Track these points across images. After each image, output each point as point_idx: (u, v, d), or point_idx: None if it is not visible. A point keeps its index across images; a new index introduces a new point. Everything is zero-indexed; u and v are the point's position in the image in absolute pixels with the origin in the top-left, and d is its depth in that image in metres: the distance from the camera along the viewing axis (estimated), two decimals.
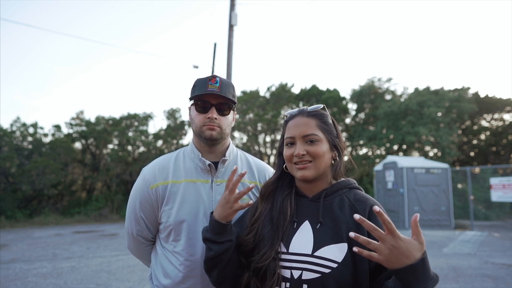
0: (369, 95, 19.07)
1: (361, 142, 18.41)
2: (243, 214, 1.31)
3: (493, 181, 10.95)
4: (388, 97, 19.08)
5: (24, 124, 17.04)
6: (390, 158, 12.79)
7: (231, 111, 1.46)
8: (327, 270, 1.01)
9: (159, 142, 18.77)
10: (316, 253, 1.05)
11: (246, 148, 19.04)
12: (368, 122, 19.38)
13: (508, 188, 10.53)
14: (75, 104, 40.98)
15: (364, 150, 19.19)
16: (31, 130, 17.15)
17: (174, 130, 18.94)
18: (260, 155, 18.86)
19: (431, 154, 17.74)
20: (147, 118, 18.99)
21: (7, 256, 7.23)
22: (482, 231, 10.79)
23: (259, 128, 19.22)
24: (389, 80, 18.95)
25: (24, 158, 16.19)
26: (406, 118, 16.61)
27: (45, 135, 17.54)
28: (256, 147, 19.63)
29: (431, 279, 0.87)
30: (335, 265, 1.02)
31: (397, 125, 16.76)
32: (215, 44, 12.82)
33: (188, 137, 19.55)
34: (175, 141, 18.80)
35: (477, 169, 14.01)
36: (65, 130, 18.16)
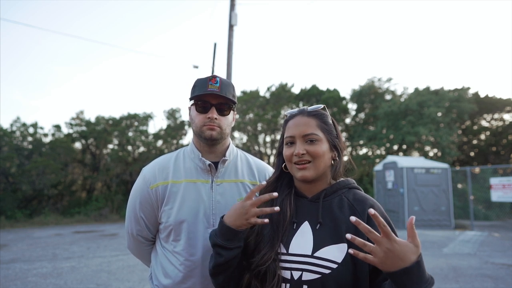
0: (369, 95, 19.07)
1: (361, 142, 18.40)
2: None
3: (493, 181, 10.95)
4: (388, 97, 19.07)
5: (24, 124, 17.04)
6: (390, 158, 12.79)
7: (231, 111, 1.46)
8: (327, 271, 1.01)
9: (159, 142, 18.77)
10: (316, 254, 1.05)
11: (246, 148, 19.04)
12: (368, 122, 19.38)
13: (508, 188, 10.53)
14: (75, 104, 41.03)
15: (364, 150, 19.19)
16: (31, 130, 17.15)
17: (174, 130, 18.94)
18: (260, 155, 18.85)
19: (431, 154, 17.74)
20: (147, 118, 18.99)
21: (7, 256, 7.23)
22: (482, 231, 10.79)
23: (259, 128, 19.22)
24: (389, 80, 18.96)
25: (24, 158, 16.19)
26: (406, 118, 16.60)
27: (45, 135, 17.55)
28: (256, 147, 19.63)
29: (427, 281, 0.88)
30: (335, 266, 1.02)
31: (397, 125, 16.76)
32: (215, 44, 12.82)
33: (188, 137, 19.57)
34: (175, 141, 18.79)
35: (477, 169, 14.01)
36: (65, 130, 18.18)
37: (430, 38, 47.13)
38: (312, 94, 20.12)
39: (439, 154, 16.65)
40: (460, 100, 17.15)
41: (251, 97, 19.50)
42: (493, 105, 19.55)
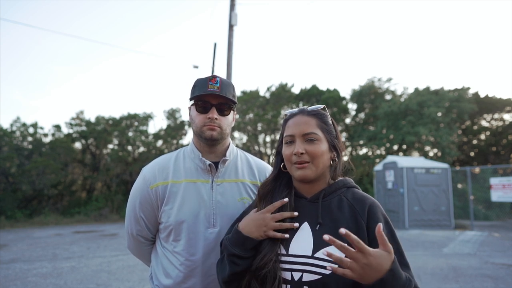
0: (369, 95, 19.07)
1: (361, 142, 18.40)
2: (241, 215, 1.30)
3: (493, 181, 10.95)
4: (388, 97, 19.07)
5: (24, 124, 17.05)
6: (390, 158, 12.80)
7: (231, 111, 1.46)
8: (327, 272, 1.01)
9: (159, 142, 18.78)
10: (316, 255, 1.05)
11: (246, 148, 19.05)
12: (368, 122, 19.38)
13: (508, 188, 10.53)
14: (75, 104, 41.04)
15: (364, 150, 19.20)
16: (31, 130, 17.16)
17: (174, 130, 18.94)
18: (260, 155, 18.86)
19: (431, 154, 17.74)
20: (147, 118, 19.00)
21: (7, 256, 7.23)
22: (482, 231, 10.79)
23: (259, 128, 19.22)
24: (389, 80, 18.96)
25: (24, 158, 16.19)
26: (406, 118, 16.60)
27: (45, 135, 17.55)
28: (256, 147, 19.64)
29: (403, 285, 0.90)
30: (335, 266, 1.01)
31: (397, 125, 16.76)
32: (215, 44, 12.82)
33: (188, 137, 19.57)
34: (175, 141, 18.80)
35: (477, 169, 14.01)
36: (65, 130, 18.19)
37: (430, 38, 47.16)
38: (312, 94, 20.12)
39: (439, 154, 16.65)
40: (460, 100, 17.14)
41: (251, 97, 19.50)
42: (493, 105, 19.55)
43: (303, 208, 1.16)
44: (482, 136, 20.67)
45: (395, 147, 17.62)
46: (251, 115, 18.94)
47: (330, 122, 1.21)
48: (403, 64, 44.63)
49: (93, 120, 18.52)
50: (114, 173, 17.15)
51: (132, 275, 5.76)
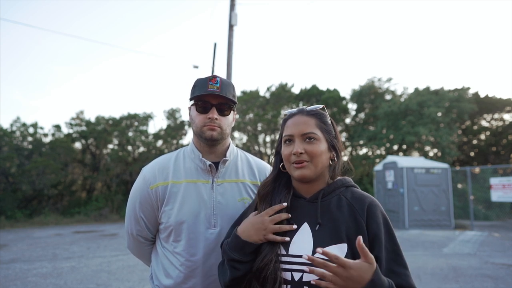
0: (369, 95, 19.07)
1: (361, 142, 18.41)
2: (241, 215, 1.30)
3: (493, 181, 10.95)
4: (388, 97, 19.08)
5: (24, 124, 17.05)
6: (390, 158, 12.80)
7: (232, 111, 1.46)
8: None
9: (159, 142, 18.78)
10: (316, 255, 1.05)
11: (246, 148, 19.05)
12: (368, 122, 19.38)
13: (508, 188, 10.53)
14: (75, 104, 41.05)
15: (364, 150, 19.20)
16: (31, 130, 17.16)
17: (174, 130, 18.95)
18: (260, 155, 18.86)
19: (431, 154, 17.74)
20: (147, 118, 19.00)
21: (7, 256, 7.23)
22: (482, 231, 10.79)
23: (259, 128, 19.23)
24: (389, 80, 18.97)
25: (24, 158, 16.19)
26: (406, 118, 16.61)
27: (45, 135, 17.56)
28: (256, 147, 19.64)
29: None
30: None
31: (397, 125, 16.76)
32: (215, 44, 12.82)
33: (188, 137, 19.58)
34: (175, 141, 18.80)
35: (477, 169, 14.01)
36: (65, 130, 18.19)
37: (430, 38, 47.16)
38: (312, 94, 20.13)
39: (439, 154, 16.66)
40: (460, 100, 17.15)
41: (251, 97, 19.50)
42: (493, 105, 19.55)
43: (302, 208, 1.16)
44: (482, 136, 20.68)
45: (395, 147, 17.62)
46: (251, 115, 18.94)
47: (329, 122, 1.20)
48: (403, 64, 44.66)
49: (93, 120, 18.53)
50: (114, 173, 17.16)
51: (132, 275, 5.76)
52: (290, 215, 1.14)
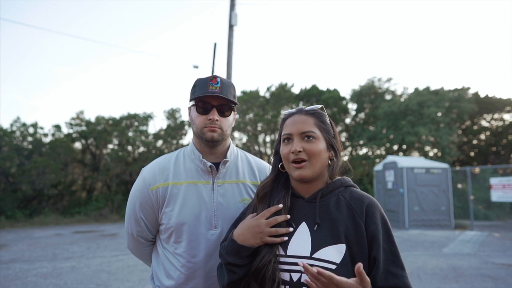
0: (369, 95, 19.08)
1: (361, 142, 18.41)
2: (240, 216, 1.30)
3: (493, 181, 10.95)
4: (388, 97, 19.08)
5: (24, 124, 17.06)
6: (390, 158, 12.80)
7: (232, 112, 1.45)
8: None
9: (159, 142, 18.79)
10: (314, 255, 1.05)
11: (246, 148, 19.05)
12: (368, 122, 19.38)
13: (508, 188, 10.53)
14: (75, 104, 41.01)
15: (364, 150, 19.20)
16: (31, 130, 17.17)
17: (174, 130, 18.95)
18: (260, 155, 18.87)
19: (431, 154, 17.74)
20: (147, 118, 19.01)
21: (7, 256, 7.23)
22: (482, 231, 10.79)
23: (259, 128, 19.23)
24: (389, 80, 18.96)
25: (24, 158, 16.20)
26: (406, 118, 16.61)
27: (45, 135, 17.56)
28: (256, 147, 19.64)
29: None
30: (333, 267, 1.01)
31: (397, 125, 16.76)
32: (215, 44, 12.82)
33: (188, 137, 19.58)
34: (175, 141, 18.81)
35: (477, 169, 14.01)
36: (65, 130, 18.21)
37: (430, 38, 47.14)
38: (312, 94, 20.13)
39: (439, 154, 16.66)
40: (460, 100, 17.14)
41: (251, 97, 19.50)
42: (493, 105, 19.54)
43: (300, 209, 1.16)
44: (482, 136, 20.67)
45: (395, 147, 17.63)
46: (251, 115, 18.95)
47: (328, 121, 1.20)
48: (403, 64, 44.63)
49: (93, 120, 18.53)
50: (114, 173, 17.16)
51: (132, 275, 5.76)
52: (289, 216, 1.13)
